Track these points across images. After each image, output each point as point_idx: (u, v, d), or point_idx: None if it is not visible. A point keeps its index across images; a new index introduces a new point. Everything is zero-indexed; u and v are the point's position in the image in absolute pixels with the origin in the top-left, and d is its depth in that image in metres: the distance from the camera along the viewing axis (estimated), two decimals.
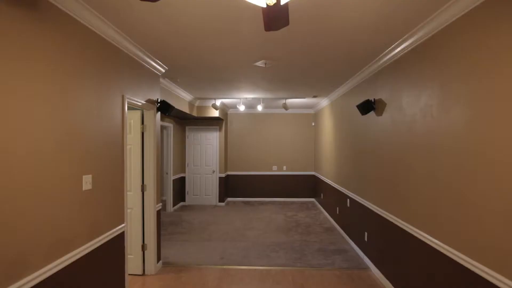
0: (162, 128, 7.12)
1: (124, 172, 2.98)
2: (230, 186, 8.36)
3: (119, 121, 2.89)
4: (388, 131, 3.37)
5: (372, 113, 3.87)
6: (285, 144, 8.36)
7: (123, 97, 2.95)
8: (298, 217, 6.47)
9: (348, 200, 4.90)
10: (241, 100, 6.52)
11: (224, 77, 4.56)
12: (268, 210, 7.09)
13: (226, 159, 8.09)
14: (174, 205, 7.16)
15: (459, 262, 2.11)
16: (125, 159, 2.99)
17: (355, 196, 4.49)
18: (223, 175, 7.75)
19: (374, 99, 3.80)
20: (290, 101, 6.76)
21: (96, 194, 2.45)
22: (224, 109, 7.68)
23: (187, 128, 7.76)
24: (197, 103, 6.80)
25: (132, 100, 3.15)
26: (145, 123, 3.67)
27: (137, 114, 3.65)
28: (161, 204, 3.92)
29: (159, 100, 3.83)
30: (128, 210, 3.59)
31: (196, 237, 5.03)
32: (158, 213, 3.83)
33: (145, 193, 3.65)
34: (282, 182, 8.33)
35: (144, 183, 3.65)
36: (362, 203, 4.16)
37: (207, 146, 7.78)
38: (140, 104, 3.35)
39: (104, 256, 2.60)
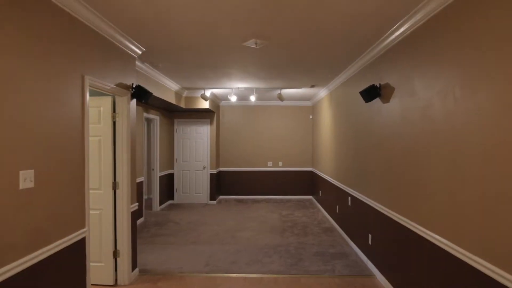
0: (148, 120, 6.63)
1: (85, 167, 2.50)
2: (222, 183, 7.90)
3: (77, 106, 2.40)
4: (397, 119, 2.91)
5: (377, 101, 3.41)
6: (281, 138, 7.89)
7: (83, 78, 2.46)
8: (294, 216, 6.02)
9: (349, 198, 4.45)
10: (233, 90, 6.03)
11: (210, 62, 4.07)
12: (262, 209, 6.63)
13: (218, 155, 7.61)
14: (161, 203, 6.69)
15: (492, 276, 1.65)
16: (86, 152, 2.51)
17: (357, 193, 4.04)
18: (214, 171, 7.28)
19: (379, 84, 3.34)
20: (286, 91, 6.28)
21: (40, 194, 1.97)
22: (215, 101, 7.20)
23: (176, 121, 7.27)
24: (185, 93, 6.31)
25: (97, 82, 2.66)
26: (117, 111, 3.18)
27: (107, 100, 3.16)
28: (137, 204, 3.44)
29: (134, 86, 3.34)
30: (97, 212, 3.12)
31: (182, 240, 4.56)
32: (134, 214, 3.36)
33: (117, 191, 3.17)
34: (277, 179, 7.87)
35: (116, 180, 3.17)
36: (366, 201, 3.71)
37: (198, 140, 7.29)
38: (109, 88, 2.87)
39: (56, 269, 2.13)
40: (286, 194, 7.87)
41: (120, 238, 3.17)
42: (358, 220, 4.05)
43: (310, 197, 7.89)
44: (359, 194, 3.96)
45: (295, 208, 6.71)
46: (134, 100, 3.41)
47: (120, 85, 3.07)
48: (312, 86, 5.77)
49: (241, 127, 7.90)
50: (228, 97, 6.30)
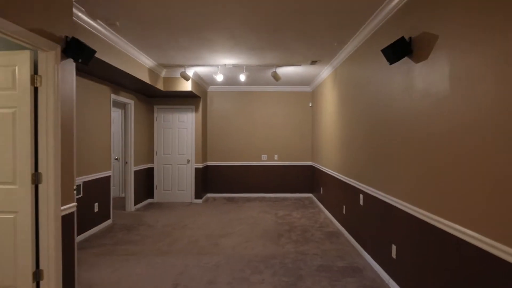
0: (120, 104, 5.67)
1: None
2: (210, 180, 6.96)
3: None
4: (440, 85, 1.98)
5: (406, 61, 2.48)
6: (276, 128, 6.96)
7: None
8: (292, 217, 5.09)
9: (361, 196, 3.53)
10: (219, 68, 5.08)
11: (185, 21, 3.12)
12: (255, 209, 5.70)
13: (204, 146, 6.67)
14: (137, 202, 5.74)
15: None
16: None
17: (374, 190, 3.12)
18: (200, 165, 6.33)
19: (410, 37, 2.41)
20: (282, 71, 5.34)
21: None
22: (201, 85, 6.25)
23: (155, 108, 6.31)
24: (163, 73, 5.35)
25: None
26: (40, 72, 2.23)
27: (25, 56, 2.21)
28: (74, 204, 2.49)
29: (68, 39, 2.39)
30: (8, 216, 2.18)
31: (151, 249, 3.62)
32: (68, 219, 2.41)
33: (40, 187, 2.23)
34: (273, 174, 6.94)
35: (39, 170, 2.23)
36: (387, 200, 2.80)
37: (181, 130, 6.34)
38: (17, 36, 1.92)
39: None
40: (283, 191, 6.95)
41: (45, 254, 2.23)
42: (374, 224, 3.13)
43: (309, 195, 6.97)
44: (377, 191, 3.04)
45: (293, 208, 5.78)
46: (71, 62, 2.46)
47: (43, 33, 2.12)
48: (313, 63, 4.84)
49: (232, 115, 6.96)
50: (214, 76, 5.35)
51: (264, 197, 6.81)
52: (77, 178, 3.85)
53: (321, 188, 5.81)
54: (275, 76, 4.92)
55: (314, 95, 6.69)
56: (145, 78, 4.65)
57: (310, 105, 6.93)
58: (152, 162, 6.34)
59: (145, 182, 6.12)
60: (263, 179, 6.94)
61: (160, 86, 5.29)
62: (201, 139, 6.33)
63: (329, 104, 5.23)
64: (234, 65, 4.95)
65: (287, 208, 5.75)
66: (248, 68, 5.13)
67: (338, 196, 4.55)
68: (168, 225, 4.59)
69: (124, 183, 5.76)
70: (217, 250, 3.60)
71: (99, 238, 3.99)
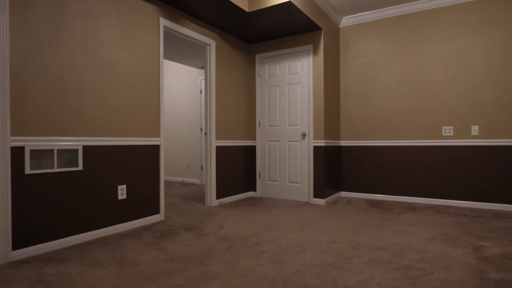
0: (193, 44, 3.98)
1: None
2: (343, 168, 4.32)
3: None
4: None
5: None
6: (473, 78, 3.57)
7: None
8: None
9: None
10: None
11: None
12: (424, 228, 2.71)
13: (329, 114, 4.11)
14: (227, 194, 3.88)
15: None
16: None
17: None
18: (322, 142, 3.84)
19: None
20: None
21: None
22: (325, 11, 3.77)
23: (257, 58, 4.29)
24: None
25: None
26: None
27: None
28: None
29: None
30: None
31: None
32: None
33: None
34: (466, 164, 3.59)
35: None
36: None
37: (292, 87, 4.06)
38: None
39: None
40: (491, 199, 3.47)
41: None
42: None
43: None
44: None
45: None
46: None
47: None
48: None
49: (383, 61, 4.08)
50: None
51: (446, 206, 3.57)
52: (73, 138, 2.27)
53: None
54: None
55: None
56: None
57: None
58: (254, 138, 4.36)
59: (243, 167, 4.21)
60: (444, 172, 3.69)
61: (245, 5, 3.22)
62: (323, 99, 3.83)
63: None
64: None
65: (502, 233, 2.44)
66: None
67: None
68: (237, 240, 2.43)
69: (205, 163, 4.02)
70: None
71: (91, 250, 2.29)
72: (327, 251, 2.15)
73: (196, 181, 5.54)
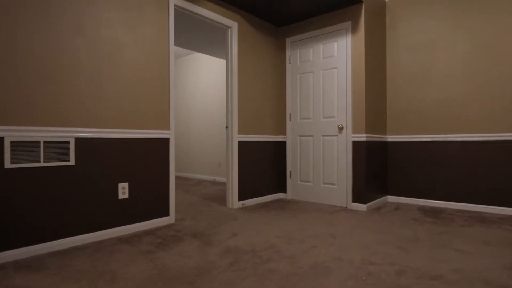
0: (212, 27, 3.61)
1: None
2: (389, 168, 3.64)
3: None
4: None
5: None
6: None
7: None
8: None
9: None
10: None
11: None
12: (498, 249, 2.02)
13: (372, 103, 3.47)
14: (252, 196, 3.45)
15: None
16: None
17: None
18: (363, 137, 3.23)
19: None
20: None
21: None
22: None
23: (288, 42, 3.79)
24: None
25: None
26: None
27: None
28: None
29: None
30: None
31: None
32: None
33: None
34: None
35: None
36: None
37: (327, 73, 3.50)
38: None
39: None
40: None
41: None
42: None
43: None
44: None
45: None
46: None
47: None
48: None
49: (445, 38, 3.34)
50: None
51: None
52: (61, 128, 2.02)
53: None
54: None
55: None
56: None
57: None
58: (284, 133, 3.87)
59: (272, 165, 3.75)
60: None
61: None
62: (364, 86, 3.21)
63: None
64: None
65: None
66: None
67: None
68: (244, 252, 1.99)
69: (230, 162, 3.59)
70: None
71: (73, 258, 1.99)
72: (359, 276, 1.60)
73: None
